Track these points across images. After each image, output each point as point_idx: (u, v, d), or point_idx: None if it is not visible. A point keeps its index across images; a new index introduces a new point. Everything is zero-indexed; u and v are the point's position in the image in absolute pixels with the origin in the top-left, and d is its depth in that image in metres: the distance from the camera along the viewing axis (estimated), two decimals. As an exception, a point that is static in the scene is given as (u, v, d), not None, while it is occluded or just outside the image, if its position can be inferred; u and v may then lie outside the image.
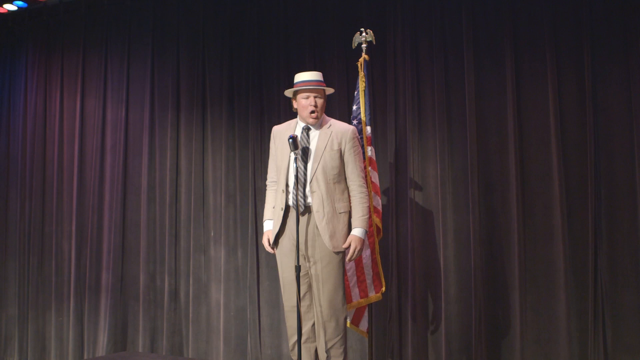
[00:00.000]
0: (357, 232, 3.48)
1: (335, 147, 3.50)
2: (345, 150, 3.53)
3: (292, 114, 3.78)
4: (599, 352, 4.06)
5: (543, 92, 4.32)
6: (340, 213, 3.48)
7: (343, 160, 3.53)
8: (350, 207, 3.55)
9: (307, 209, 3.46)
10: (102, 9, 5.93)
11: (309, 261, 3.48)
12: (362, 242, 3.50)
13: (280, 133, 3.64)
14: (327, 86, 3.64)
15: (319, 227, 3.42)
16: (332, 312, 3.43)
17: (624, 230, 4.09)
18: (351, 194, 3.55)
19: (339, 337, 3.46)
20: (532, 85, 4.38)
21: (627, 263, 4.06)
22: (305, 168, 3.49)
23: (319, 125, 3.58)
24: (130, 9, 5.82)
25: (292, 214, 3.49)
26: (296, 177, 3.43)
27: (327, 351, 3.46)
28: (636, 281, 4.02)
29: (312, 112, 3.52)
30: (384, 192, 4.59)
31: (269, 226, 3.66)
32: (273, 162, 3.70)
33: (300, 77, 3.60)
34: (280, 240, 3.56)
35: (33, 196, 6.04)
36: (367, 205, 3.56)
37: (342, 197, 3.51)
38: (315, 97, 3.53)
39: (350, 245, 3.47)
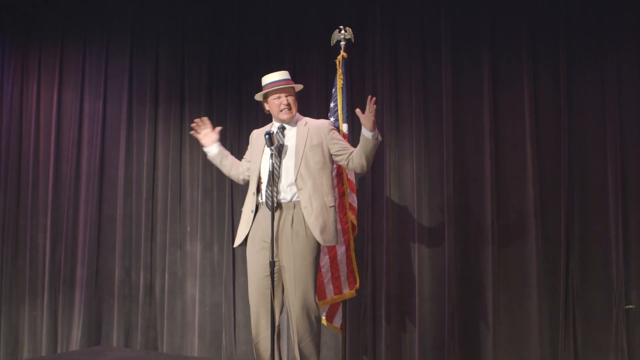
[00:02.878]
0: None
1: (315, 142, 3.50)
2: (328, 140, 3.52)
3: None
4: (569, 350, 4.12)
5: (519, 94, 4.37)
6: (329, 207, 3.45)
7: (325, 153, 3.51)
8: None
9: (280, 206, 3.46)
10: (82, 0, 5.88)
11: (282, 257, 3.45)
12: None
13: (258, 136, 3.67)
14: (304, 84, 3.66)
15: (307, 222, 3.40)
16: (304, 309, 3.42)
17: (596, 232, 4.16)
18: (352, 156, 3.48)
19: (312, 334, 3.46)
20: (508, 87, 4.42)
21: (598, 264, 4.13)
22: (280, 165, 3.48)
23: (295, 123, 3.59)
24: (110, 2, 5.77)
25: (263, 213, 3.48)
26: (272, 173, 3.42)
27: (300, 349, 3.46)
28: (606, 282, 4.09)
29: (285, 109, 3.55)
30: (360, 190, 4.60)
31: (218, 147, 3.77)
32: (245, 161, 3.78)
33: (268, 79, 3.61)
34: (251, 239, 3.53)
35: (8, 188, 5.96)
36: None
37: (329, 191, 3.49)
38: (286, 96, 3.56)
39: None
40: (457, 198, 4.43)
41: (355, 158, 3.46)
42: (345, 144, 3.58)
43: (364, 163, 3.44)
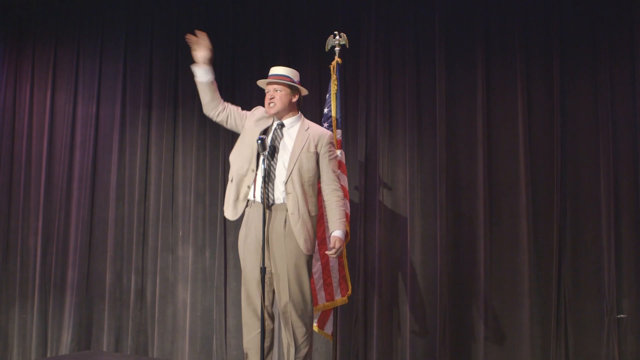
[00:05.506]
0: (337, 233, 3.45)
1: (312, 150, 3.48)
2: (321, 154, 3.51)
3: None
4: (560, 358, 4.11)
5: (512, 100, 4.37)
6: (312, 216, 3.46)
7: (318, 163, 3.51)
8: (320, 211, 3.55)
9: (272, 207, 3.43)
10: (75, 2, 5.86)
11: (274, 259, 3.43)
12: (343, 242, 3.50)
13: (259, 117, 3.59)
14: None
15: (293, 229, 3.39)
16: (299, 312, 3.42)
17: (587, 240, 4.16)
18: (327, 197, 3.53)
19: (307, 336, 3.46)
20: (502, 94, 4.43)
21: (590, 272, 4.13)
22: (275, 166, 3.46)
23: (296, 122, 3.57)
24: (104, 5, 5.76)
25: (256, 211, 3.44)
26: (264, 176, 3.39)
27: (295, 350, 3.45)
28: (598, 290, 4.09)
29: (270, 104, 3.51)
30: (353, 196, 4.59)
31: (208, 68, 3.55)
32: (238, 112, 3.64)
33: (270, 71, 3.62)
34: (245, 237, 3.51)
35: (-1, 190, 5.95)
36: (344, 209, 3.56)
37: (314, 201, 3.49)
38: (275, 90, 3.52)
39: (335, 245, 3.41)
40: (450, 205, 4.43)
41: (324, 202, 3.56)
42: (330, 172, 3.54)
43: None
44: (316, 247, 3.77)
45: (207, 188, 5.20)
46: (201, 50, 3.54)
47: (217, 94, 3.61)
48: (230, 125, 3.65)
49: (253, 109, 3.67)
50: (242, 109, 5.05)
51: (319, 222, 3.77)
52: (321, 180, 3.54)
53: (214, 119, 3.64)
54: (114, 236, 5.44)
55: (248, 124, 3.60)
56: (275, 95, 3.51)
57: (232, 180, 3.54)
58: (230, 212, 3.51)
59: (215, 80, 3.59)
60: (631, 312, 4.02)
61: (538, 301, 4.19)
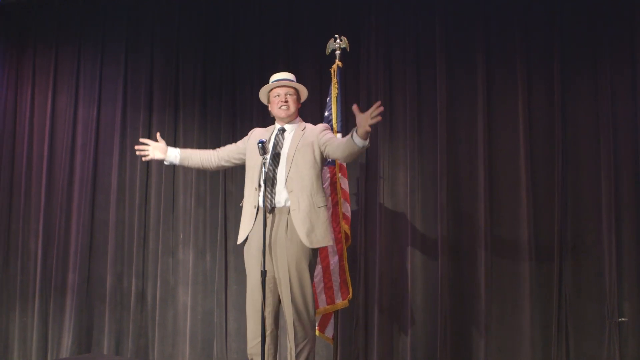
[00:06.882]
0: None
1: (308, 141, 3.50)
2: (320, 137, 3.50)
3: (265, 119, 3.77)
4: (561, 362, 4.12)
5: (513, 103, 4.38)
6: (319, 207, 3.44)
7: (316, 152, 3.49)
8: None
9: (273, 210, 3.44)
10: (76, 5, 5.85)
11: (277, 263, 3.44)
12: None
13: (259, 134, 3.65)
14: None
15: (294, 222, 3.39)
16: (301, 316, 3.42)
17: (588, 243, 4.16)
18: (337, 145, 3.38)
19: (307, 340, 3.45)
20: (502, 97, 4.44)
21: (591, 275, 4.14)
22: (276, 170, 3.48)
23: (294, 127, 3.60)
24: (105, 7, 5.76)
25: (261, 217, 3.45)
26: (265, 181, 3.40)
27: (296, 356, 3.45)
28: (598, 293, 4.09)
29: (283, 106, 3.56)
30: (354, 199, 4.59)
31: (173, 151, 3.73)
32: (234, 146, 3.75)
33: (273, 77, 3.66)
34: (248, 242, 3.52)
35: (0, 193, 5.93)
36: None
37: (318, 191, 3.48)
38: (286, 94, 3.59)
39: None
40: (450, 207, 4.43)
41: (338, 150, 3.37)
42: (333, 136, 3.56)
43: (344, 157, 3.39)
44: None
45: (207, 191, 5.20)
46: (156, 152, 3.70)
47: (200, 155, 3.77)
48: (234, 160, 3.73)
49: (250, 133, 3.72)
50: (242, 110, 5.13)
51: None
52: (330, 152, 3.46)
53: (221, 169, 3.71)
54: (114, 239, 5.43)
55: (249, 145, 3.64)
56: (289, 98, 3.59)
57: (243, 203, 3.60)
58: (242, 231, 3.54)
59: (185, 146, 3.89)
60: (632, 315, 4.03)
61: (539, 304, 4.19)
